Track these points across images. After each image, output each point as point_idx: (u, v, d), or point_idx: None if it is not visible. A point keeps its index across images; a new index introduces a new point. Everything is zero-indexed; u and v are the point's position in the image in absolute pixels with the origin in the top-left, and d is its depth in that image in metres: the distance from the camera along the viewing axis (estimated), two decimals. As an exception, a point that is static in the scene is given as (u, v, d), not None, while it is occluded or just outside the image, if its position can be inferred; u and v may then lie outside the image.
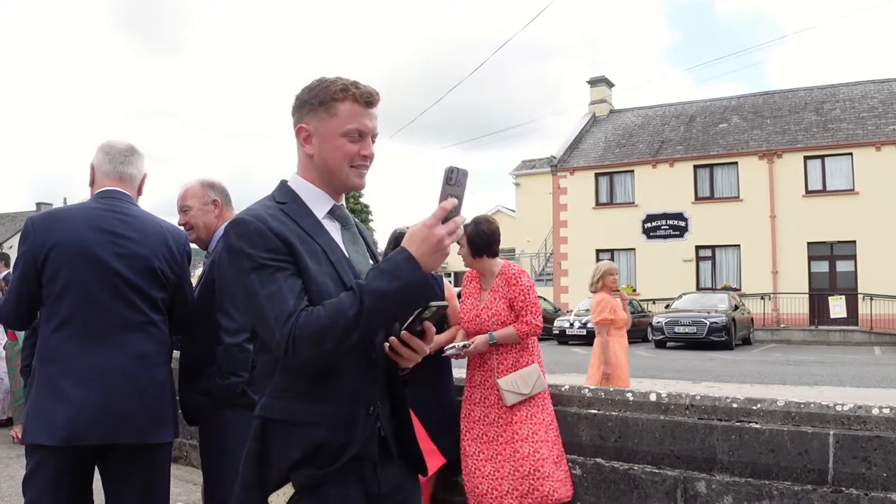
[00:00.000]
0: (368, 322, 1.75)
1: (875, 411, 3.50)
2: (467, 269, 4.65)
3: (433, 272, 1.82)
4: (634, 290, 29.30)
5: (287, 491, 1.85)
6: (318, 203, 1.99)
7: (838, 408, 3.56)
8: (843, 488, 3.49)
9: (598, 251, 31.46)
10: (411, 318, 1.87)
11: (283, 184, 2.03)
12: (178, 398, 3.27)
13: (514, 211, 42.57)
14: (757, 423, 3.69)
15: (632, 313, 25.43)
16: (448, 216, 1.77)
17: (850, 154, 27.87)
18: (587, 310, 24.59)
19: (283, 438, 1.87)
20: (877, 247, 26.26)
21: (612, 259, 30.93)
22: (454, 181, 1.80)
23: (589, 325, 23.19)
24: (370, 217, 45.69)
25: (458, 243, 4.38)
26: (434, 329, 1.95)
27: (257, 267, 1.80)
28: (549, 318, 24.37)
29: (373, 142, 2.00)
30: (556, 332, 23.64)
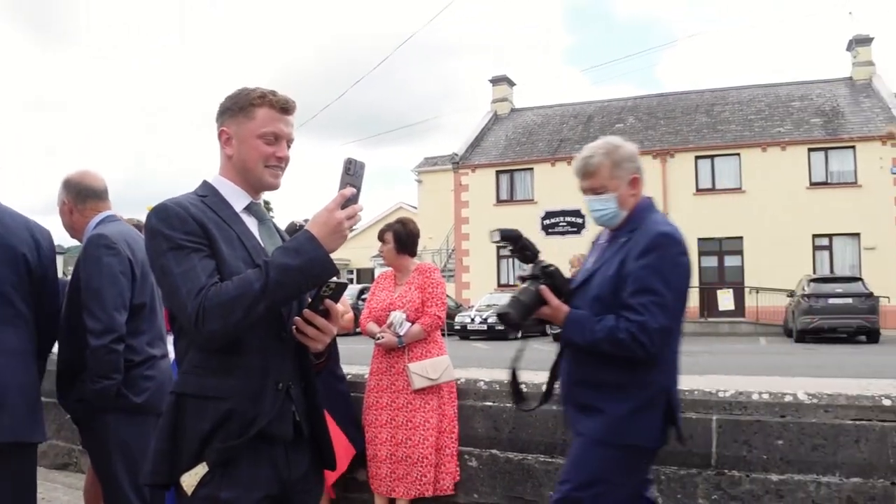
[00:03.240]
0: (274, 294, 1.88)
1: (755, 397, 3.66)
2: (385, 268, 4.85)
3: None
4: (534, 286, 29.78)
5: (199, 471, 1.92)
6: (237, 199, 2.12)
7: (721, 394, 3.70)
8: (726, 471, 3.63)
9: (498, 247, 31.80)
10: (313, 297, 2.00)
11: (205, 182, 2.16)
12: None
13: (416, 207, 42.62)
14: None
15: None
16: (347, 203, 1.95)
17: (738, 154, 29.14)
18: (488, 305, 24.93)
19: (195, 412, 1.95)
20: (762, 242, 27.57)
21: (511, 256, 31.35)
22: (353, 171, 1.99)
23: (490, 321, 23.51)
24: (271, 213, 44.88)
25: (383, 241, 4.65)
26: (338, 309, 2.07)
27: (174, 247, 1.93)
28: (450, 314, 24.53)
29: (288, 147, 2.15)
30: (458, 327, 23.82)
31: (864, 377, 12.38)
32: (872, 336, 20.52)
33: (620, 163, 2.82)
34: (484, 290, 29.23)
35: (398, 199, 43.85)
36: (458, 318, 24.24)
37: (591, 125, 33.33)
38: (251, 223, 2.14)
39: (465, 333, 23.62)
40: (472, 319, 23.80)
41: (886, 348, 19.04)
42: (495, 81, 37.19)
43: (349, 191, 1.97)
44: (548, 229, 31.20)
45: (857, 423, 3.48)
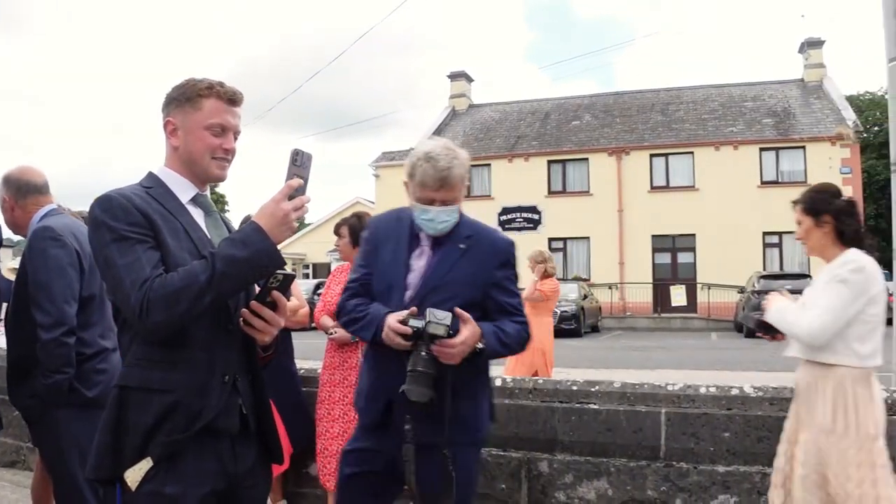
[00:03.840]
0: (220, 285, 1.87)
1: (703, 390, 3.72)
2: (341, 262, 4.81)
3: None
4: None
5: (143, 466, 1.90)
6: (183, 190, 2.09)
7: (669, 388, 3.76)
8: (674, 462, 3.69)
9: (455, 243, 31.90)
10: (260, 288, 1.99)
11: (150, 173, 2.13)
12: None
13: (373, 202, 42.48)
14: (595, 404, 3.84)
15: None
16: (294, 194, 1.94)
17: (692, 153, 29.58)
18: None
19: (139, 405, 1.92)
20: (714, 240, 28.02)
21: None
22: (300, 163, 1.99)
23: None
24: (227, 207, 44.49)
25: (339, 235, 4.62)
26: (286, 301, 2.04)
27: (118, 238, 1.90)
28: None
29: (235, 139, 2.13)
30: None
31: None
32: (819, 331, 20.95)
33: (467, 173, 2.75)
34: (441, 285, 29.24)
35: (355, 194, 43.65)
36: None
37: (548, 122, 33.55)
38: (197, 214, 2.12)
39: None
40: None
41: (833, 343, 19.46)
42: (454, 77, 37.21)
43: (296, 182, 1.96)
44: (504, 225, 31.32)
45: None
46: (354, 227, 4.56)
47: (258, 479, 2.16)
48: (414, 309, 2.51)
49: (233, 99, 2.10)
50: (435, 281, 2.63)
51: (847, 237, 3.06)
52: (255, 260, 1.90)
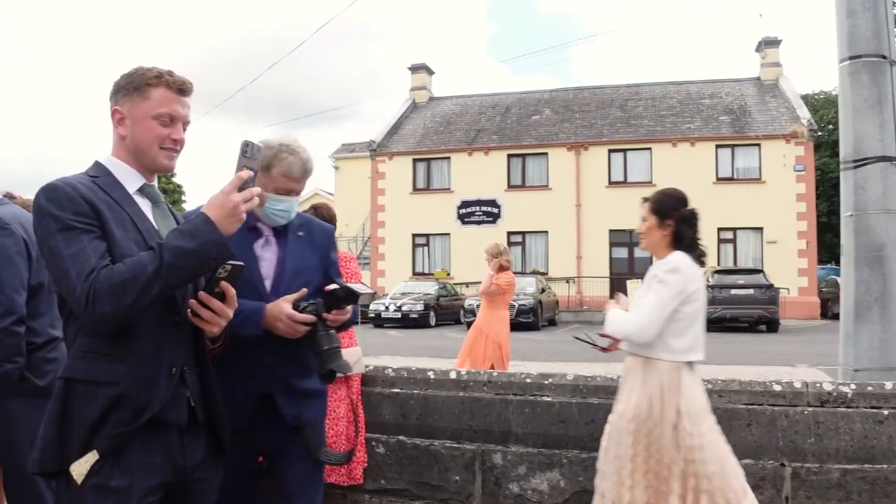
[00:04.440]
0: (168, 277, 1.85)
1: (653, 382, 3.76)
2: None
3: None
4: (448, 274, 30.02)
5: (89, 458, 1.88)
6: (130, 180, 2.07)
7: (621, 380, 3.80)
8: (625, 454, 3.73)
9: (414, 236, 31.96)
10: (208, 279, 1.99)
11: (97, 162, 2.11)
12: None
13: (332, 194, 42.27)
14: (548, 396, 3.87)
15: (445, 296, 26.08)
16: (243, 186, 1.95)
17: (650, 149, 29.95)
18: (403, 293, 24.98)
19: (85, 398, 1.91)
20: (670, 235, 28.36)
21: (427, 244, 31.60)
22: (249, 154, 2.00)
23: (404, 308, 23.56)
24: (183, 198, 43.83)
25: None
26: (234, 291, 2.04)
27: (63, 228, 1.87)
28: (365, 302, 24.42)
29: (184, 129, 2.12)
30: (372, 315, 23.77)
31: (763, 364, 12.95)
32: (772, 326, 21.49)
33: None
34: (399, 278, 29.25)
35: (315, 186, 43.35)
36: (372, 307, 24.20)
37: (508, 116, 33.66)
38: (144, 205, 2.10)
39: (379, 322, 23.60)
40: (387, 307, 23.78)
41: (785, 337, 19.95)
42: (414, 69, 37.11)
43: (246, 173, 1.96)
44: (463, 218, 31.41)
45: (749, 407, 3.63)
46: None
47: (209, 472, 2.15)
48: (304, 291, 2.52)
49: (182, 89, 2.09)
50: (294, 267, 2.66)
51: (683, 243, 3.31)
52: (204, 251, 1.89)
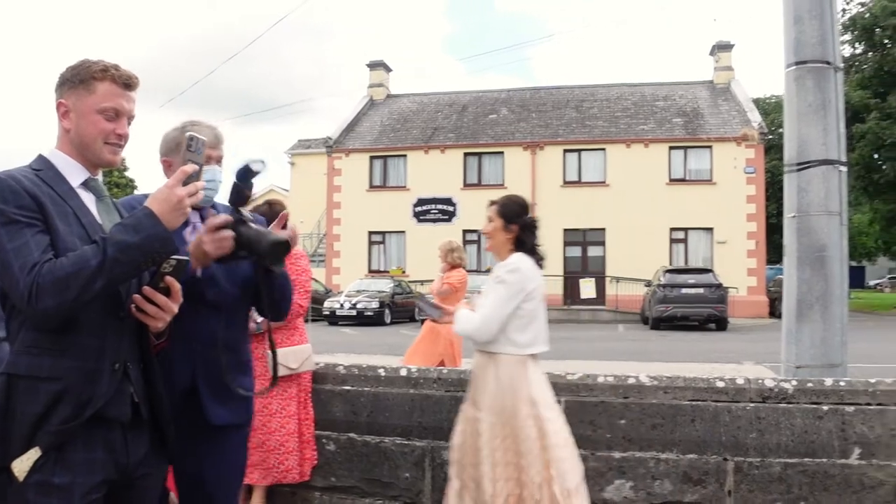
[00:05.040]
0: (112, 271, 1.84)
1: (601, 379, 3.83)
2: None
3: None
4: (404, 272, 30.00)
5: (31, 455, 1.86)
6: (74, 174, 2.05)
7: (569, 377, 3.86)
8: (573, 450, 3.78)
9: (370, 233, 31.87)
10: (153, 274, 1.97)
11: (40, 155, 2.08)
12: None
13: (288, 190, 41.93)
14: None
15: (401, 294, 26.04)
16: (188, 180, 1.94)
17: (604, 150, 30.27)
18: (358, 291, 24.89)
19: (28, 393, 1.89)
20: (623, 234, 28.76)
21: (382, 242, 31.54)
22: (194, 148, 2.00)
23: (359, 306, 23.48)
24: (135, 192, 43.06)
25: None
26: (179, 286, 2.02)
27: (6, 222, 1.85)
28: (319, 300, 24.34)
29: (129, 123, 2.10)
30: (327, 312, 23.65)
31: (712, 362, 13.19)
32: (721, 324, 21.91)
33: None
34: (354, 275, 29.14)
35: (270, 182, 42.98)
36: (326, 304, 24.09)
37: (465, 114, 33.73)
38: (88, 199, 2.08)
39: (333, 319, 23.48)
40: (342, 305, 23.68)
41: (733, 335, 20.35)
42: (372, 66, 36.97)
43: (190, 167, 1.96)
44: (419, 216, 31.40)
45: (693, 403, 3.71)
46: (265, 216, 4.49)
47: (153, 468, 2.14)
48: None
49: (128, 83, 2.08)
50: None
51: (525, 247, 3.54)
52: (147, 245, 1.88)
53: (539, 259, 3.56)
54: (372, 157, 32.52)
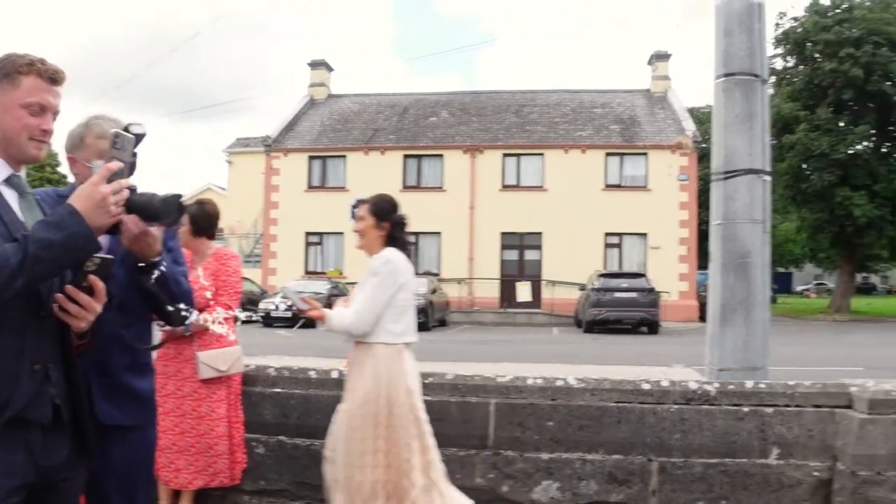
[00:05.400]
0: (33, 269, 1.80)
1: (530, 381, 3.87)
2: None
3: None
4: (341, 273, 29.81)
5: None
6: None
7: (499, 379, 3.89)
8: (502, 451, 3.82)
9: (307, 234, 31.60)
10: (76, 273, 1.93)
11: None
12: None
13: (225, 189, 41.29)
14: (428, 395, 3.91)
15: (337, 296, 25.87)
16: (113, 177, 1.91)
17: (543, 154, 30.64)
18: (297, 292, 24.58)
19: None
20: (560, 239, 29.14)
21: (320, 243, 31.32)
22: (120, 146, 1.97)
23: (294, 308, 23.20)
24: (65, 186, 41.84)
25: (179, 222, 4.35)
26: (102, 286, 1.98)
27: None
28: (255, 300, 24.02)
29: (54, 119, 2.07)
30: (262, 314, 23.34)
31: (642, 365, 13.44)
32: (653, 327, 22.37)
33: None
34: (290, 276, 28.80)
35: (207, 180, 42.26)
36: (262, 305, 23.76)
37: (406, 116, 33.72)
38: (11, 196, 2.03)
39: (268, 321, 23.16)
40: (276, 306, 23.36)
41: (664, 339, 20.79)
42: (314, 65, 36.67)
43: (115, 165, 1.93)
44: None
45: (620, 405, 3.78)
46: (195, 215, 4.42)
47: (75, 472, 2.10)
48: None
49: (54, 77, 2.04)
50: (123, 250, 2.37)
51: (397, 243, 3.70)
52: (70, 243, 1.84)
53: (409, 255, 3.72)
54: (311, 157, 32.26)
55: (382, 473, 3.39)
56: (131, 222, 2.13)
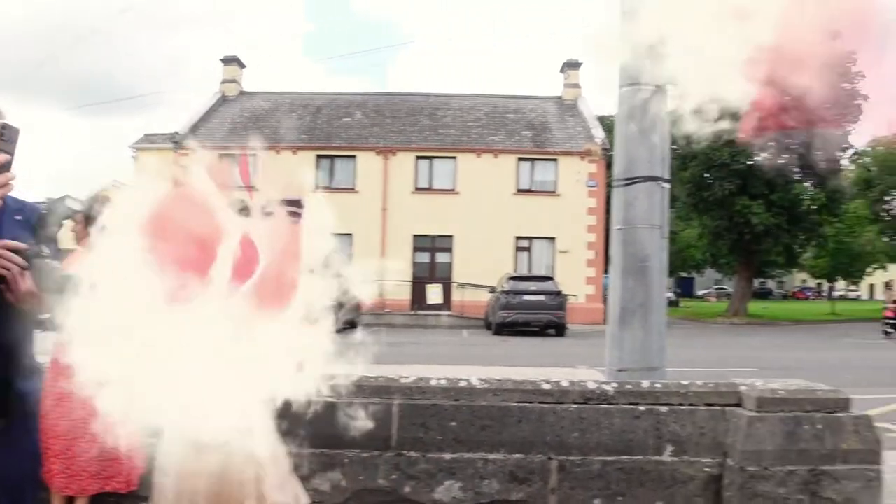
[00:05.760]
0: None
1: (433, 382, 3.89)
2: (76, 247, 4.48)
3: None
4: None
5: None
6: None
7: (402, 380, 3.89)
8: (405, 452, 3.82)
9: (216, 233, 30.92)
10: None
11: None
12: None
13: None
14: (332, 397, 3.88)
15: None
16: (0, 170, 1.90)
17: (455, 158, 30.85)
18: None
19: None
20: (471, 241, 29.40)
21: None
22: (6, 137, 1.95)
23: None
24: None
25: (73, 220, 4.24)
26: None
27: None
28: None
29: None
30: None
31: (548, 366, 13.66)
32: (560, 330, 22.79)
33: None
34: (199, 276, 28.18)
35: (112, 176, 40.75)
36: (168, 305, 23.11)
37: (319, 116, 33.40)
38: None
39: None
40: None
41: (571, 341, 21.19)
42: (226, 62, 35.95)
43: (2, 157, 1.92)
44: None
45: (521, 405, 3.83)
46: (91, 210, 4.28)
47: None
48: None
49: None
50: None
51: None
52: None
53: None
54: (220, 156, 31.49)
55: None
56: None
